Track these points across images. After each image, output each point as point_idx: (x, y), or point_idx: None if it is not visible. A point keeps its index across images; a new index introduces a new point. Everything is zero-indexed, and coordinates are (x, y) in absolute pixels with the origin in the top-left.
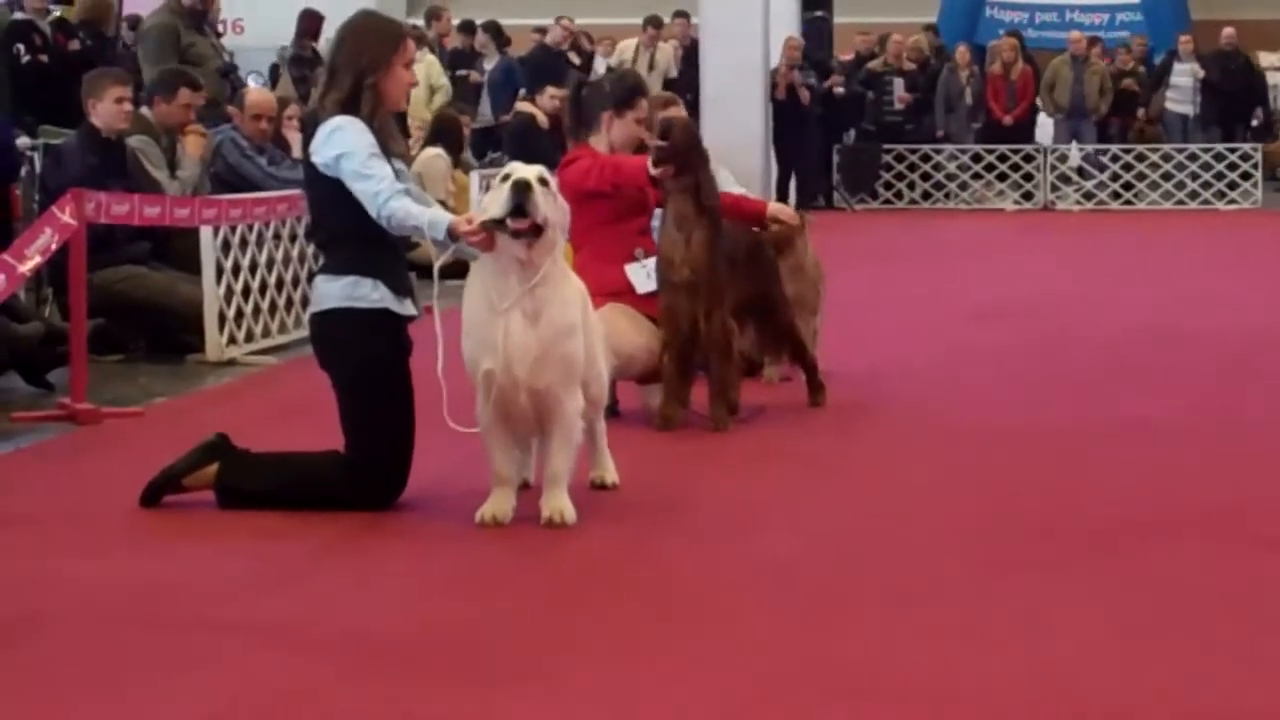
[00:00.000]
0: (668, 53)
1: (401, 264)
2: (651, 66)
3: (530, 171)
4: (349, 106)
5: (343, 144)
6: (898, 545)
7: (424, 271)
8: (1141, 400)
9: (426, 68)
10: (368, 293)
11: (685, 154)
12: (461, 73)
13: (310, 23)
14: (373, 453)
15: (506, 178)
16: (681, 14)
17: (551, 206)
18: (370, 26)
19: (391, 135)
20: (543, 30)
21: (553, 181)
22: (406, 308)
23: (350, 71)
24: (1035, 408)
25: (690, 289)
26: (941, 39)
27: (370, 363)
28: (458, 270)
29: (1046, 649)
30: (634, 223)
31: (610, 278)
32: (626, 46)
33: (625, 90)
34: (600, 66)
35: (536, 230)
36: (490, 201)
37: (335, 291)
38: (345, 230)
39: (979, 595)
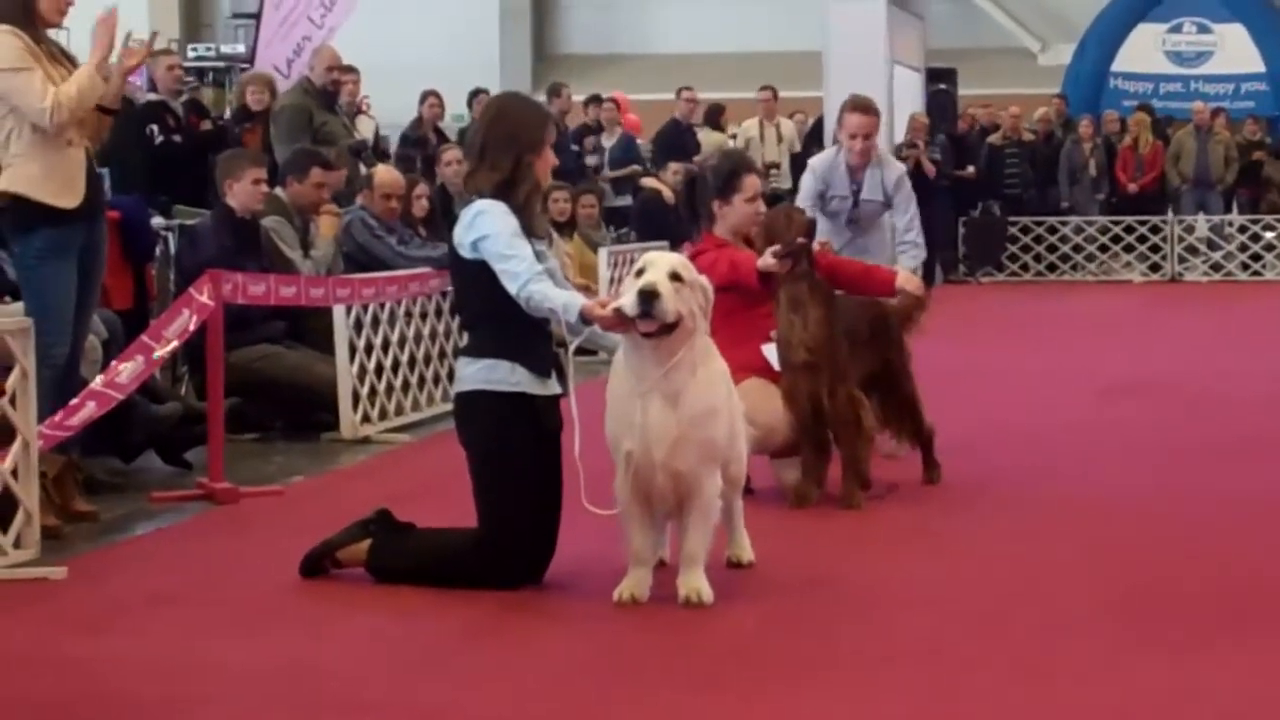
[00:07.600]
0: (790, 125)
1: (545, 343)
2: (780, 139)
3: (663, 268)
4: (505, 185)
5: (485, 227)
6: (1036, 622)
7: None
8: (1274, 473)
9: None
10: (505, 375)
11: (801, 248)
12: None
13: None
14: (500, 533)
15: (641, 272)
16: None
17: (687, 298)
18: (524, 106)
19: (536, 215)
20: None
21: (689, 271)
22: (550, 387)
23: (509, 151)
24: (1166, 482)
25: (809, 369)
26: (1069, 110)
27: (503, 446)
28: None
29: None
30: (761, 308)
31: (745, 358)
32: (750, 125)
33: (725, 176)
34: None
35: (667, 329)
36: (625, 294)
37: (474, 374)
38: (485, 312)
39: (1122, 673)
